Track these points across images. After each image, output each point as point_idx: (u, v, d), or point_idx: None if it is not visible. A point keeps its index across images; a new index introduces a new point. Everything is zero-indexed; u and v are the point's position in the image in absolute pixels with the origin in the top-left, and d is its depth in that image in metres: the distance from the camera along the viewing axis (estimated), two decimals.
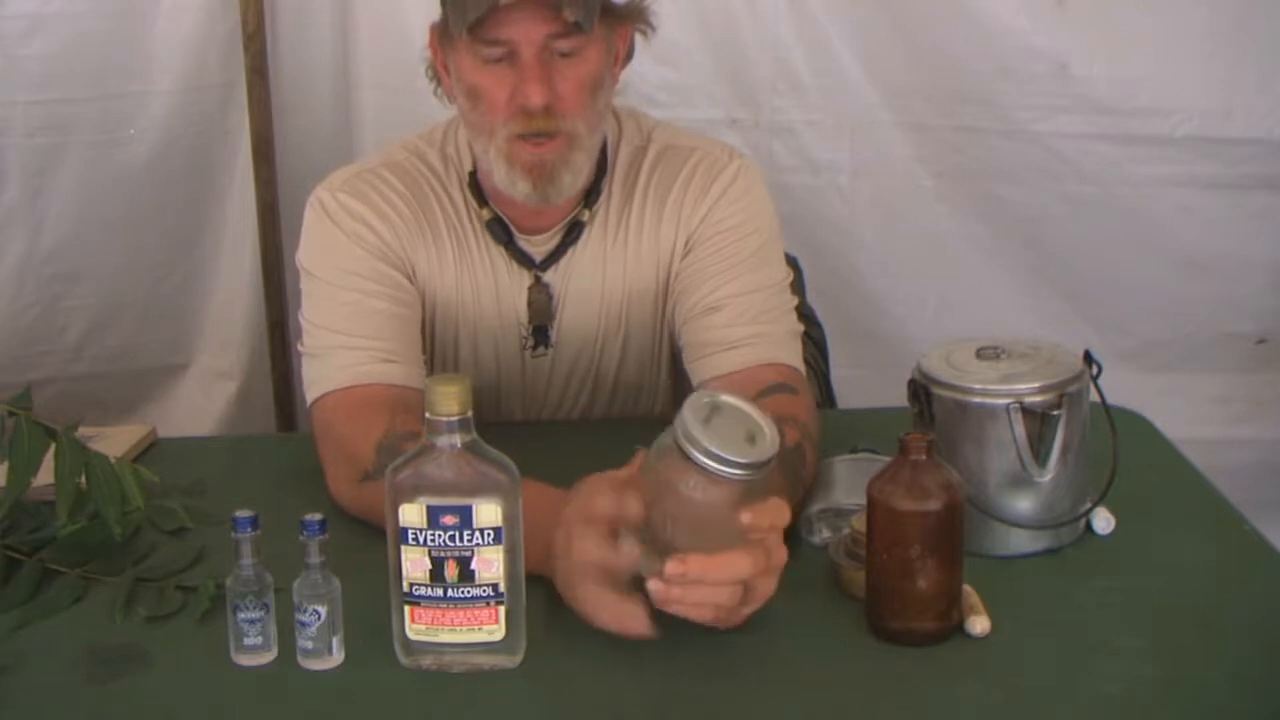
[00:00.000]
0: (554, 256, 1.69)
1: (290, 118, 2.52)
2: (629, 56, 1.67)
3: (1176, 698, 1.21)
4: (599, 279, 1.70)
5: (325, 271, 1.64)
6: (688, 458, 1.17)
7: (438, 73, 1.65)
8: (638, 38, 1.67)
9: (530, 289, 1.70)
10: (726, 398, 1.23)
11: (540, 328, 1.72)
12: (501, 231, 1.67)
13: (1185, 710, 1.20)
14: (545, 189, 1.59)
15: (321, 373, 1.61)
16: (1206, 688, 1.22)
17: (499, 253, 1.69)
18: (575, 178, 1.60)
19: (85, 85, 2.40)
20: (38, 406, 1.45)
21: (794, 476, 1.44)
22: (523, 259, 1.69)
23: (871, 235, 2.53)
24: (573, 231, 1.68)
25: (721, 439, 1.17)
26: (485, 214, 1.67)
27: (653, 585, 1.20)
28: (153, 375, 2.64)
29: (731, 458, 1.17)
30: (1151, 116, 2.38)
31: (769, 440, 1.20)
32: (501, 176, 1.60)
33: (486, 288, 1.70)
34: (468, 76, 1.57)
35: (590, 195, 1.67)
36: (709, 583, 1.21)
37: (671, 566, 1.19)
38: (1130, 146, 2.40)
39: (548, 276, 1.70)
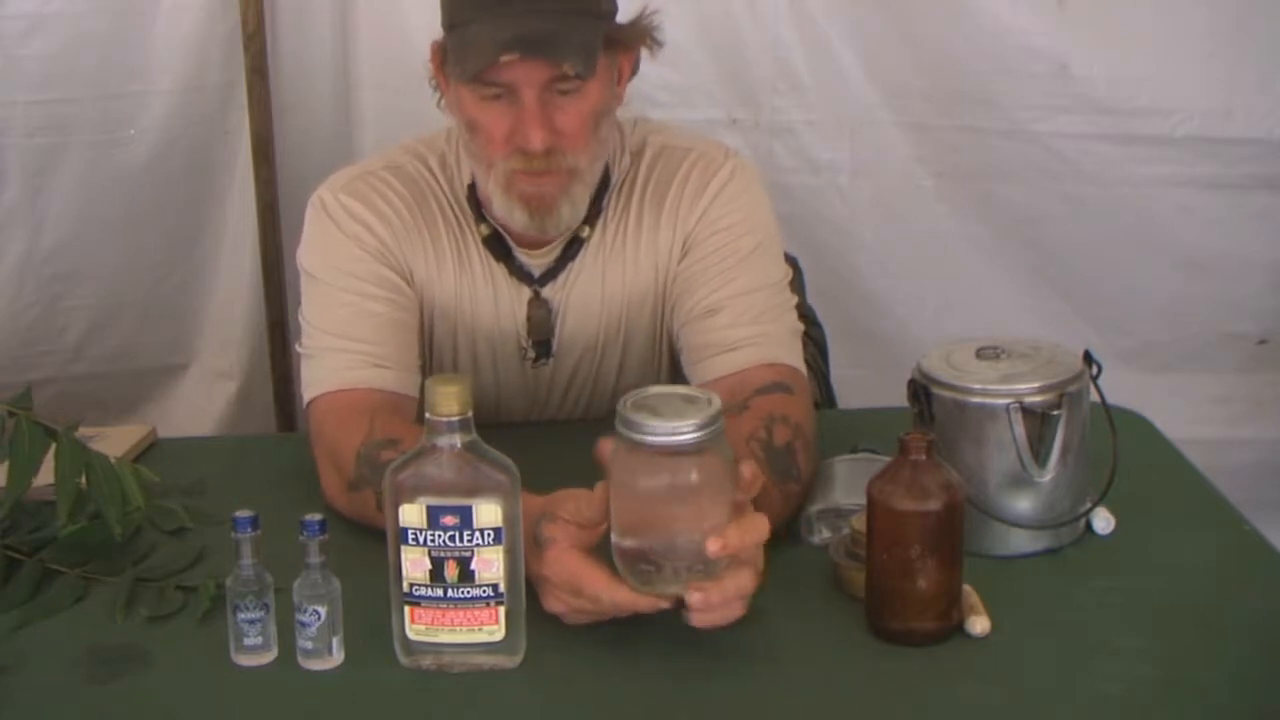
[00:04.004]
0: (553, 272, 1.69)
1: (290, 118, 2.52)
2: (635, 70, 1.66)
3: (1176, 698, 1.21)
4: (598, 288, 1.70)
5: (324, 272, 1.64)
6: (637, 445, 1.19)
7: (440, 85, 1.65)
8: (643, 51, 1.65)
9: (530, 304, 1.69)
10: (653, 389, 1.24)
11: (541, 341, 1.71)
12: (500, 248, 1.67)
13: (1185, 710, 1.20)
14: (543, 221, 1.59)
15: (315, 375, 1.61)
16: (1206, 688, 1.22)
17: (499, 268, 1.68)
18: (574, 209, 1.61)
19: (85, 85, 2.40)
20: (38, 406, 1.45)
21: (782, 475, 1.44)
22: (522, 274, 1.69)
23: (871, 235, 2.53)
24: (572, 246, 1.68)
25: (655, 414, 1.19)
26: (483, 230, 1.67)
27: (696, 598, 1.20)
28: (153, 375, 2.63)
29: (681, 421, 1.18)
30: (1151, 116, 2.37)
31: (706, 400, 1.21)
32: (500, 205, 1.60)
33: (485, 298, 1.69)
34: (467, 110, 1.57)
35: (591, 210, 1.66)
36: (749, 553, 1.21)
37: (712, 545, 1.18)
38: (1130, 146, 2.40)
39: (547, 292, 1.69)
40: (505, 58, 1.48)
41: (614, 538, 1.23)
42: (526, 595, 1.26)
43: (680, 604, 1.23)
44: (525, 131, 1.52)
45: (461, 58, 1.52)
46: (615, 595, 1.23)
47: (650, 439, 1.19)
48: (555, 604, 1.28)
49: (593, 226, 1.67)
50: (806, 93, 2.46)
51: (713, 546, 1.19)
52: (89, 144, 2.43)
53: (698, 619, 1.22)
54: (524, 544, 1.26)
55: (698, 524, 1.20)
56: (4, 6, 2.33)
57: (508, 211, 1.60)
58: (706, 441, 1.19)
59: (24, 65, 2.36)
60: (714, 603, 1.21)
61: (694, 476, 1.19)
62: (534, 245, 1.67)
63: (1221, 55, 2.35)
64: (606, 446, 1.24)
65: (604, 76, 1.57)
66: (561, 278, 1.69)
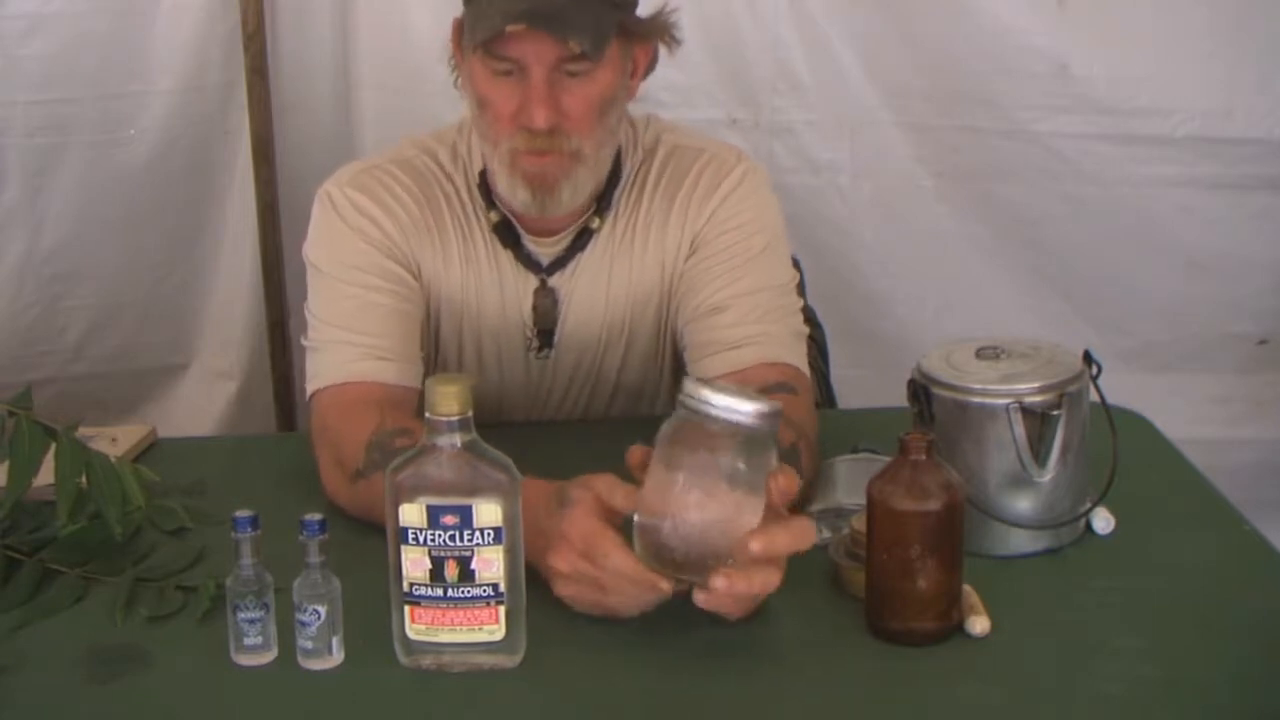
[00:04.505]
0: (561, 262, 1.69)
1: (290, 118, 2.52)
2: (651, 67, 1.66)
3: (1176, 698, 1.21)
4: (604, 282, 1.70)
5: (329, 265, 1.65)
6: (694, 414, 1.19)
7: (457, 65, 1.65)
8: (661, 48, 1.66)
9: (536, 293, 1.70)
10: (721, 381, 1.26)
11: (545, 331, 1.72)
12: (509, 234, 1.68)
13: (1185, 710, 1.20)
14: (544, 200, 1.60)
15: (320, 367, 1.61)
16: (1206, 688, 1.22)
17: (506, 255, 1.69)
18: (576, 192, 1.61)
19: (85, 85, 2.40)
20: (38, 406, 1.45)
21: None
22: (529, 263, 1.69)
23: (871, 235, 2.53)
24: (582, 237, 1.68)
25: (719, 391, 1.20)
26: (493, 216, 1.67)
27: (721, 583, 1.19)
28: (153, 375, 2.64)
29: (746, 402, 1.19)
30: (1151, 116, 2.38)
31: (771, 402, 1.22)
32: (503, 184, 1.61)
33: (491, 289, 1.70)
34: (478, 85, 1.58)
35: (603, 202, 1.67)
36: (787, 553, 1.22)
37: (755, 544, 1.18)
38: (1130, 146, 2.40)
39: (554, 281, 1.70)
40: (512, 27, 1.49)
41: (638, 517, 1.23)
42: (527, 594, 1.26)
43: (682, 593, 1.23)
44: (530, 109, 1.53)
45: (474, 26, 1.54)
46: (622, 561, 1.23)
47: (709, 409, 1.19)
48: (560, 562, 1.27)
49: (603, 219, 1.68)
50: (806, 93, 2.46)
51: (755, 545, 1.19)
52: (89, 144, 2.43)
53: (710, 601, 1.22)
54: (543, 508, 1.27)
55: (731, 517, 1.20)
56: (4, 6, 2.33)
57: (510, 190, 1.60)
58: (760, 433, 1.20)
59: (24, 65, 2.36)
60: (738, 591, 1.21)
61: (740, 465, 1.20)
62: (543, 233, 1.68)
63: (1221, 55, 2.35)
64: (637, 453, 1.25)
65: (616, 65, 1.57)
66: (569, 267, 1.69)
